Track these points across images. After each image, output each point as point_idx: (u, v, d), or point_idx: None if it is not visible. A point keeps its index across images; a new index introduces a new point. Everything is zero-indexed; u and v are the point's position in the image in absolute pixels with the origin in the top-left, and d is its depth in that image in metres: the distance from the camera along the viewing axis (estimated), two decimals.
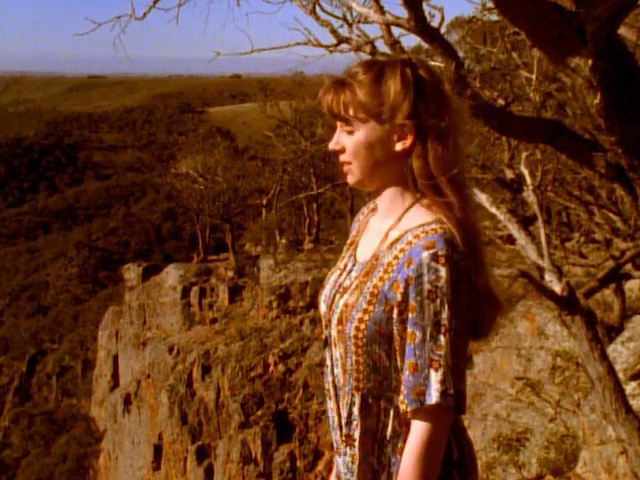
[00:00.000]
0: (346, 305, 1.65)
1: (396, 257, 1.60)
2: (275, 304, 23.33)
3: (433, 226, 1.58)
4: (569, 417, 10.20)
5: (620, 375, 7.29)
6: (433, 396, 1.50)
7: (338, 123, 1.69)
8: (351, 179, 1.70)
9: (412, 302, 1.53)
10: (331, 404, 1.75)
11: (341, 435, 1.70)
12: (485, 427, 12.65)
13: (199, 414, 22.55)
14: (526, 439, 10.09)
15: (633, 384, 8.05)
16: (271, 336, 22.42)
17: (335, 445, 1.76)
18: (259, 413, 20.91)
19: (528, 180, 7.30)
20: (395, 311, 1.57)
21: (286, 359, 21.57)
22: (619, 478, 7.27)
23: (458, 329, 1.52)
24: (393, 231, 1.65)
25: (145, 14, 5.30)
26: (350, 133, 1.65)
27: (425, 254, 1.53)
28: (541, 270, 6.61)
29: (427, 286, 1.52)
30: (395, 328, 1.57)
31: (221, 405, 22.03)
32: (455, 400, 1.51)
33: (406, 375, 1.54)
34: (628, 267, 9.43)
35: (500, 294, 1.66)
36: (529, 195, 7.31)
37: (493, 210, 6.85)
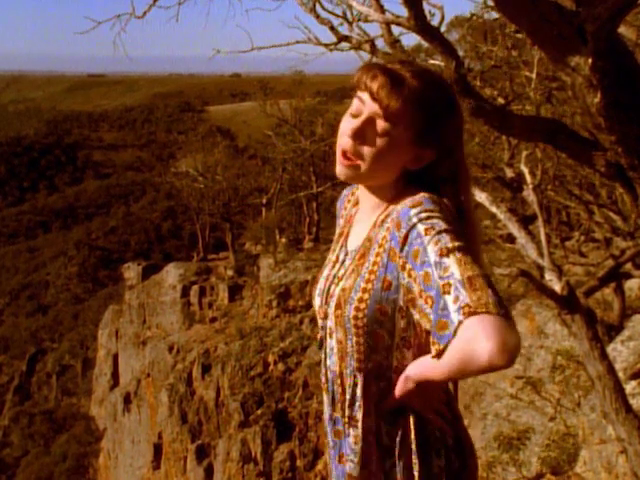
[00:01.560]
0: (343, 289, 1.63)
1: (388, 229, 1.58)
2: (275, 303, 23.34)
3: (421, 194, 1.56)
4: (569, 416, 10.20)
5: (620, 374, 7.29)
6: (454, 318, 1.36)
7: (371, 114, 1.57)
8: (349, 174, 1.62)
9: (415, 247, 1.46)
10: (326, 398, 1.74)
11: (337, 424, 1.70)
12: (485, 426, 12.66)
13: (199, 413, 22.56)
14: (526, 438, 10.09)
15: (633, 383, 8.05)
16: (271, 335, 22.43)
17: (329, 439, 1.76)
18: (259, 412, 20.91)
19: (528, 179, 7.30)
20: (405, 275, 1.51)
21: (286, 358, 21.57)
22: (619, 477, 7.27)
23: (461, 247, 1.43)
24: (381, 217, 1.65)
25: (145, 12, 5.29)
26: (384, 135, 1.57)
27: (413, 211, 1.51)
28: (541, 269, 6.61)
29: (422, 227, 1.47)
30: (415, 290, 1.48)
31: (221, 404, 22.03)
32: (477, 307, 1.34)
33: (431, 314, 1.43)
34: (628, 266, 9.43)
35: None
36: (529, 194, 7.31)
37: (493, 209, 6.85)
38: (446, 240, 1.43)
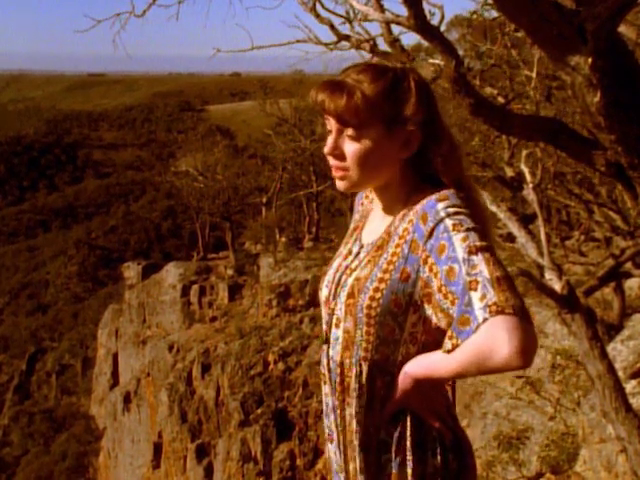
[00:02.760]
0: (357, 279, 1.63)
1: (410, 221, 1.59)
2: (275, 302, 23.33)
3: (444, 190, 1.58)
4: (569, 415, 10.20)
5: (620, 374, 7.29)
6: (478, 315, 1.38)
7: (336, 126, 1.63)
8: (344, 185, 1.66)
9: (440, 242, 1.48)
10: (326, 388, 1.75)
11: (336, 416, 1.70)
12: (485, 425, 12.66)
13: (199, 412, 22.56)
14: (526, 437, 10.10)
15: (633, 382, 8.05)
16: (271, 334, 22.43)
17: (327, 431, 1.76)
18: (259, 411, 20.92)
19: (528, 178, 7.30)
20: (426, 269, 1.52)
21: (286, 357, 21.58)
22: (619, 476, 7.27)
23: (489, 247, 1.46)
24: (399, 214, 1.66)
25: (145, 11, 5.30)
26: (354, 139, 1.61)
27: (440, 205, 1.52)
28: (541, 268, 6.61)
29: (450, 222, 1.49)
30: (434, 284, 1.50)
31: (221, 403, 22.04)
32: (504, 307, 1.36)
33: (453, 309, 1.46)
34: (628, 265, 9.43)
35: None
36: (529, 193, 7.31)
37: (493, 208, 6.85)
38: (474, 238, 1.46)
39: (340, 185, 1.67)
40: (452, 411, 1.70)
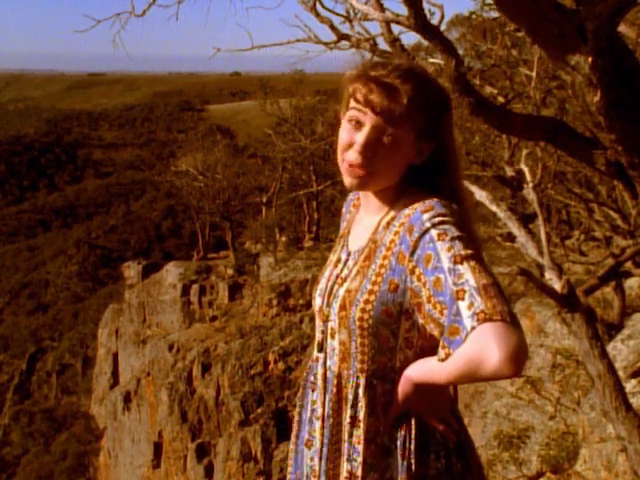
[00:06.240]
0: (348, 291, 1.64)
1: (396, 232, 1.59)
2: (275, 302, 23.34)
3: (429, 199, 1.58)
4: (569, 415, 10.20)
5: (620, 373, 7.29)
6: (466, 324, 1.37)
7: (375, 123, 1.59)
8: (360, 183, 1.64)
9: (427, 252, 1.48)
10: (314, 396, 1.74)
11: (322, 427, 1.70)
12: (485, 425, 12.66)
13: (199, 412, 22.57)
14: (526, 437, 10.09)
15: (633, 382, 8.05)
16: (271, 334, 22.44)
17: (307, 437, 1.75)
18: (259, 411, 20.93)
19: (528, 177, 7.30)
20: (414, 279, 1.52)
21: (286, 357, 21.59)
22: (619, 476, 7.27)
23: (475, 255, 1.46)
24: (385, 218, 1.66)
25: (145, 11, 5.30)
26: (388, 140, 1.59)
27: (425, 215, 1.52)
28: (541, 268, 6.61)
29: (435, 232, 1.49)
30: (423, 294, 1.50)
31: (221, 403, 22.05)
32: (492, 314, 1.36)
33: (443, 319, 1.45)
34: (628, 265, 9.43)
35: None
36: (529, 193, 7.31)
37: (493, 208, 6.85)
38: (459, 247, 1.46)
39: (354, 183, 1.64)
40: (456, 413, 1.70)
